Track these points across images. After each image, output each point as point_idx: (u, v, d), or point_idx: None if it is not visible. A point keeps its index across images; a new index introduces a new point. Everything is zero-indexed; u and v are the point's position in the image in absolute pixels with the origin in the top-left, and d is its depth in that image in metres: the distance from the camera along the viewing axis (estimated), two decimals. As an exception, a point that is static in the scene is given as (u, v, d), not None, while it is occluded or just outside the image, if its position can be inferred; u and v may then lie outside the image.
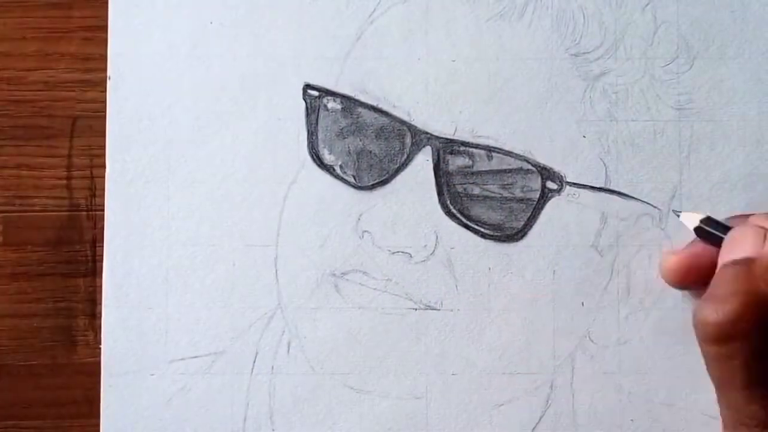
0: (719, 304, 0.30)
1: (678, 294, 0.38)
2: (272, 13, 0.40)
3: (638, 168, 0.39)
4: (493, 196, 0.39)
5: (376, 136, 0.39)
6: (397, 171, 0.39)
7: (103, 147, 0.39)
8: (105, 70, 0.40)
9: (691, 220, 0.36)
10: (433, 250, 0.39)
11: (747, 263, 0.31)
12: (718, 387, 0.31)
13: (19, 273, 0.40)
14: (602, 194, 0.39)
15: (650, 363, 0.38)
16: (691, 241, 0.36)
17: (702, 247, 0.35)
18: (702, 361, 0.32)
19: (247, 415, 0.39)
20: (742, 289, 0.30)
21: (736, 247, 0.32)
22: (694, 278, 0.35)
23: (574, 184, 0.39)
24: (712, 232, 0.35)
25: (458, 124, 0.39)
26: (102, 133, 0.39)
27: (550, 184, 0.39)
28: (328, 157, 0.39)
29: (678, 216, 0.37)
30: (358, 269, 0.39)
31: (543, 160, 0.39)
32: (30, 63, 0.40)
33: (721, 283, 0.32)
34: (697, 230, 0.36)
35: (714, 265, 0.33)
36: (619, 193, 0.39)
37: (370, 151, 0.39)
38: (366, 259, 0.39)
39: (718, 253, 0.34)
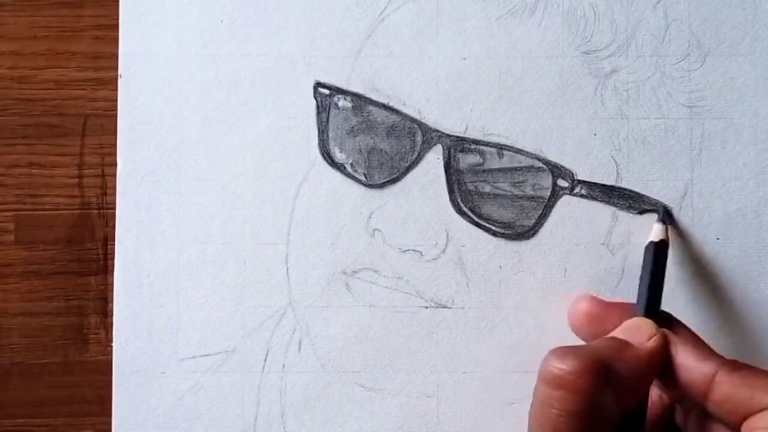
0: (573, 353, 0.30)
1: (689, 294, 0.38)
2: (282, 12, 0.40)
3: (649, 166, 0.39)
4: (504, 194, 0.39)
5: (386, 134, 0.39)
6: (408, 169, 0.39)
7: (114, 145, 0.40)
8: (116, 68, 0.40)
9: (657, 234, 0.37)
10: (444, 249, 0.39)
11: (623, 343, 0.32)
12: (529, 426, 0.31)
13: (31, 271, 0.40)
14: (613, 192, 0.39)
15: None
16: (614, 302, 0.37)
17: (620, 309, 0.36)
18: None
19: (258, 413, 0.39)
20: (601, 355, 0.31)
21: (625, 331, 0.33)
22: (592, 333, 0.35)
23: (585, 182, 0.39)
24: (652, 254, 0.36)
25: (469, 122, 0.39)
26: (113, 132, 0.40)
27: (561, 182, 0.39)
28: (338, 156, 0.39)
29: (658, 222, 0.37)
30: (369, 267, 0.39)
31: (554, 158, 0.39)
32: (41, 62, 0.40)
33: (592, 345, 0.32)
34: (648, 245, 0.36)
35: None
36: (631, 191, 0.39)
37: (381, 149, 0.39)
38: (377, 258, 0.39)
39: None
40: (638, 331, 0.33)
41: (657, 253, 0.36)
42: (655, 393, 0.35)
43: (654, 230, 0.37)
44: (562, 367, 0.30)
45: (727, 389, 0.31)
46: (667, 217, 0.38)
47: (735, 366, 0.31)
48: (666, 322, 0.34)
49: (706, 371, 0.31)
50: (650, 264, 0.36)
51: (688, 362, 0.32)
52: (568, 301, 0.38)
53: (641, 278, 0.36)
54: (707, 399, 0.31)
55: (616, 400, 0.30)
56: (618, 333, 0.33)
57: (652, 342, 0.32)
